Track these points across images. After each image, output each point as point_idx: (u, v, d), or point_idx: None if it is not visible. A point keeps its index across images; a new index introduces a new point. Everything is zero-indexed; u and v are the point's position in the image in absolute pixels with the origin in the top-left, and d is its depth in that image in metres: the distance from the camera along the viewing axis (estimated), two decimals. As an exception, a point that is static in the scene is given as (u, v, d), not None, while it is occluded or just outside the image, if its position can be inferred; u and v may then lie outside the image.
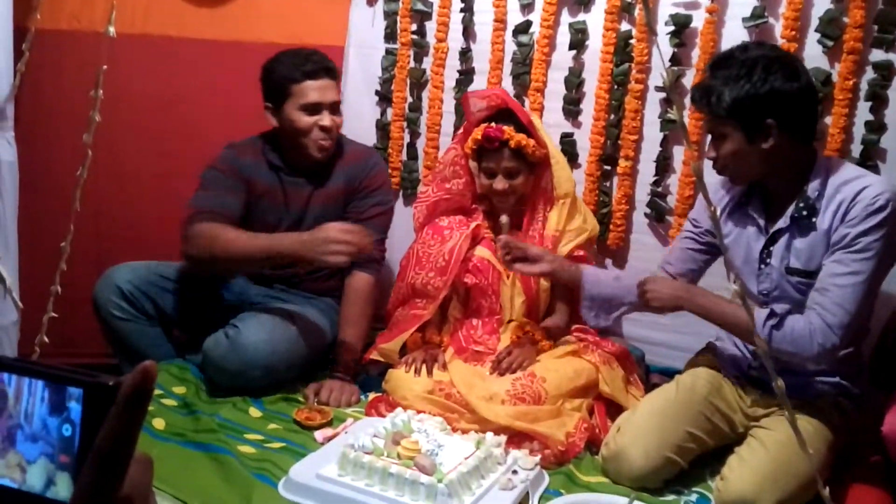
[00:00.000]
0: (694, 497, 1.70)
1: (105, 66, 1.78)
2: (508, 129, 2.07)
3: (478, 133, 2.11)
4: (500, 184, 2.11)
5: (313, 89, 2.11)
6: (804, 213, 1.67)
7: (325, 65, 2.16)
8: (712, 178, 1.94)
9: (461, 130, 2.28)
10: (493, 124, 2.09)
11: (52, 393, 0.46)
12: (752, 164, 1.68)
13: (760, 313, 1.63)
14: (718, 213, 1.85)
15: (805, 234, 1.68)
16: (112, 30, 1.68)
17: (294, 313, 2.12)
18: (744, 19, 2.10)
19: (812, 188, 1.67)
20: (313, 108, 2.12)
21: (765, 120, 1.62)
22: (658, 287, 1.77)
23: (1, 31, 2.10)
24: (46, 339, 1.99)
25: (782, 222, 1.71)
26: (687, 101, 2.14)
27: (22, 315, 2.23)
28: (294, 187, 2.23)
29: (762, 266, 1.76)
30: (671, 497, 1.70)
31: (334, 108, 2.17)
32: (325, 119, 2.13)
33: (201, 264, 2.06)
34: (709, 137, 1.77)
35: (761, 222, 1.76)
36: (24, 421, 0.46)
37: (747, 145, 1.65)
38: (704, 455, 1.79)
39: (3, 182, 2.17)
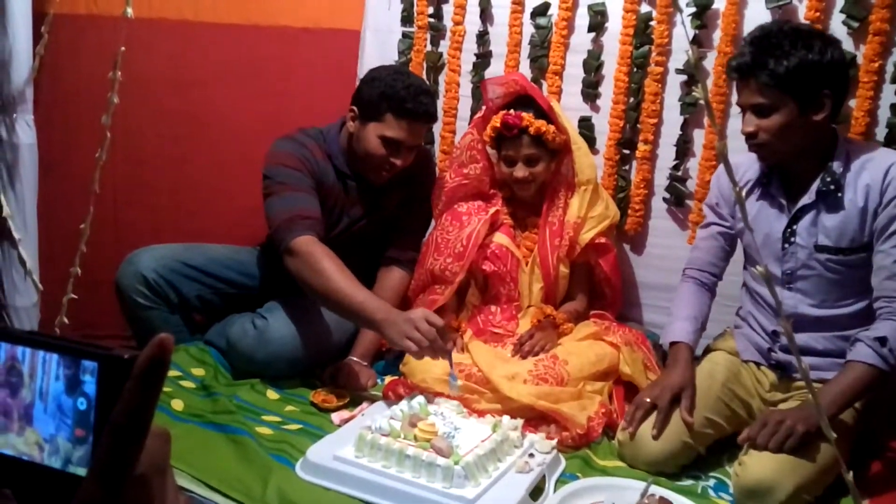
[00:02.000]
0: (712, 482, 1.69)
1: (123, 48, 1.79)
2: (527, 116, 2.05)
3: (496, 121, 2.10)
4: (520, 172, 2.09)
5: (404, 130, 2.05)
6: (831, 187, 1.68)
7: (429, 110, 2.08)
8: (737, 155, 1.93)
9: (478, 115, 2.27)
10: (511, 111, 2.08)
11: (67, 367, 0.45)
12: (797, 138, 1.66)
13: (863, 349, 1.58)
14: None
15: (833, 211, 1.68)
16: (130, 11, 1.69)
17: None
18: (766, 0, 2.06)
19: (836, 165, 1.68)
20: (393, 145, 2.06)
21: (822, 90, 1.62)
22: (792, 423, 1.55)
23: (20, 15, 2.12)
24: (66, 321, 2.02)
25: (807, 198, 1.71)
26: (709, 82, 2.13)
27: (42, 297, 2.26)
28: (355, 192, 2.19)
29: (786, 245, 1.75)
30: (689, 482, 1.69)
31: (414, 147, 2.12)
32: (399, 159, 2.08)
33: (295, 278, 1.93)
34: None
35: (783, 201, 1.76)
36: (38, 397, 0.46)
37: (799, 117, 1.64)
38: (722, 440, 1.78)
39: (23, 165, 2.19)
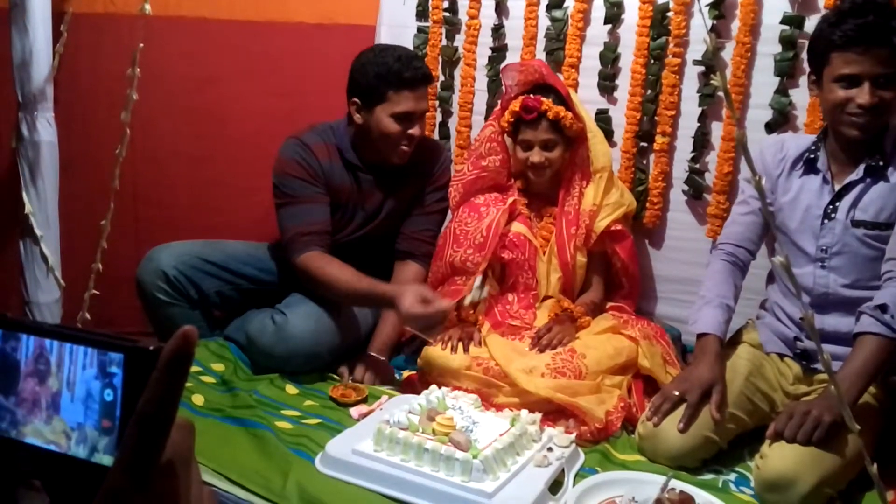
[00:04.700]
0: (733, 476, 1.68)
1: (141, 45, 1.80)
2: (546, 101, 2.06)
3: (515, 105, 2.11)
4: (536, 156, 2.09)
5: (410, 99, 2.08)
6: (880, 163, 1.69)
7: (425, 72, 2.13)
8: (754, 146, 1.92)
9: (498, 107, 2.27)
10: (531, 95, 2.09)
11: (94, 359, 0.46)
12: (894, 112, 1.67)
13: (869, 321, 1.57)
14: (779, 173, 1.83)
15: (875, 186, 1.69)
16: (148, 8, 1.71)
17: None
18: (786, -11, 2.04)
19: (886, 145, 1.70)
20: (406, 117, 2.09)
21: None
22: (819, 414, 1.54)
23: (39, 14, 2.14)
24: (88, 316, 2.04)
25: (854, 175, 1.72)
26: (728, 73, 2.11)
27: (64, 293, 2.28)
28: (369, 185, 2.21)
29: (825, 221, 1.74)
30: (709, 476, 1.67)
31: (423, 115, 2.16)
32: (415, 129, 2.11)
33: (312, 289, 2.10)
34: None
35: (828, 176, 1.75)
36: (66, 387, 0.47)
37: None
38: (743, 435, 1.77)
39: (44, 162, 2.22)
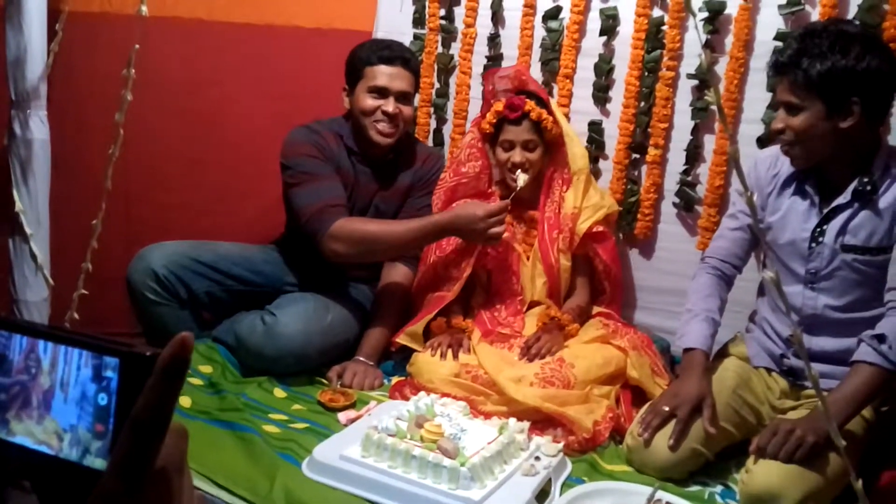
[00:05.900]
0: (719, 489, 1.69)
1: (137, 46, 1.80)
2: (530, 102, 2.11)
3: (499, 105, 2.15)
4: (518, 156, 2.12)
5: (383, 73, 2.17)
6: (868, 188, 1.67)
7: (403, 55, 2.22)
8: (745, 161, 1.93)
9: (478, 115, 2.29)
10: (515, 95, 2.14)
11: (89, 362, 0.46)
12: (823, 141, 1.65)
13: (866, 350, 1.58)
14: (771, 190, 1.83)
15: (865, 211, 1.68)
16: (144, 9, 1.70)
17: (329, 301, 2.13)
18: (779, 6, 2.05)
19: (876, 167, 1.68)
20: (380, 92, 2.16)
21: (851, 97, 1.60)
22: (802, 434, 1.55)
23: (35, 12, 2.13)
24: (77, 316, 2.03)
25: (842, 199, 1.70)
26: (721, 87, 2.12)
27: (53, 292, 2.27)
28: (364, 177, 2.26)
29: (812, 244, 1.73)
30: (696, 488, 1.68)
31: (403, 97, 2.20)
32: (389, 105, 2.16)
33: (347, 259, 2.10)
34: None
35: (816, 199, 1.75)
36: (59, 389, 0.47)
37: (825, 121, 1.63)
38: (730, 447, 1.77)
39: (36, 160, 2.20)
